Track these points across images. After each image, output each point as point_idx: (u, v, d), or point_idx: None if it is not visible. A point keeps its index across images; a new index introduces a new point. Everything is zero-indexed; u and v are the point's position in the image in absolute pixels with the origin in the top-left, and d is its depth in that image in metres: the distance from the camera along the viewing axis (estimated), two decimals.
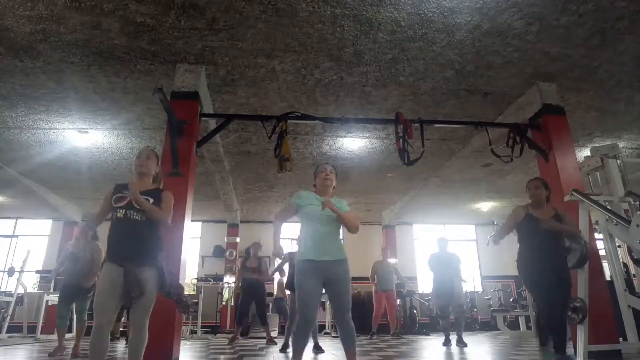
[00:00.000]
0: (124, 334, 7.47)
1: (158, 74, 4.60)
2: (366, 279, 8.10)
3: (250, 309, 6.69)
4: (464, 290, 7.38)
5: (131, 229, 2.39)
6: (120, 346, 6.08)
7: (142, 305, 2.35)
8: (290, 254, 5.38)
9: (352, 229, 2.71)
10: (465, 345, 5.49)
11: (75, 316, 4.97)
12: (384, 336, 7.93)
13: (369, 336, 7.36)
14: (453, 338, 5.86)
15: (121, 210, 2.40)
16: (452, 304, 5.93)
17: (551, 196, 3.55)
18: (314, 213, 2.69)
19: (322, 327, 9.47)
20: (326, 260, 2.61)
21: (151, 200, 2.46)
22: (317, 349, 4.92)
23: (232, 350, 5.14)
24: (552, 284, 3.19)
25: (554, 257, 3.27)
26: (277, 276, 6.66)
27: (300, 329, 2.61)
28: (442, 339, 5.94)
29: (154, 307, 2.41)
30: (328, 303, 9.35)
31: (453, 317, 6.08)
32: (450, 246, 6.50)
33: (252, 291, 6.33)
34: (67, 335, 7.66)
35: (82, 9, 3.60)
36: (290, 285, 5.26)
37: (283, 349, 4.95)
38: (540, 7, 3.67)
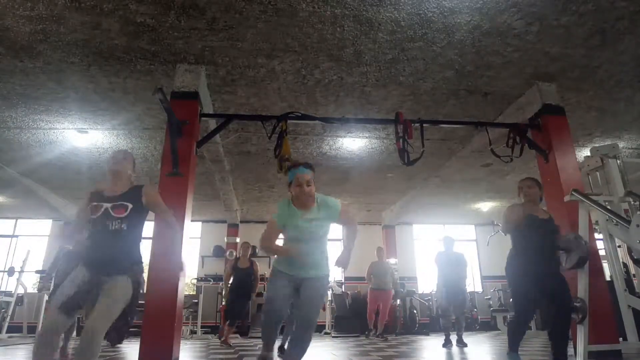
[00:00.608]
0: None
1: (158, 74, 4.60)
2: (360, 279, 8.11)
3: (246, 308, 6.56)
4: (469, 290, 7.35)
5: (110, 238, 2.25)
6: (122, 347, 6.07)
7: (99, 312, 2.08)
8: None
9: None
10: (465, 345, 5.48)
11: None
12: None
13: (365, 334, 7.31)
14: (453, 339, 5.85)
15: (98, 221, 2.27)
16: (455, 303, 5.91)
17: (544, 196, 3.46)
18: (298, 233, 2.52)
19: (321, 327, 9.49)
20: (300, 277, 2.53)
21: (129, 207, 2.30)
22: (281, 351, 4.71)
23: (232, 350, 5.14)
24: (552, 289, 3.11)
25: (550, 261, 3.20)
26: None
27: (265, 325, 2.58)
28: (442, 339, 5.92)
29: (153, 307, 2.32)
30: (328, 303, 9.36)
31: (454, 316, 6.07)
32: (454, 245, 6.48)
33: (240, 291, 6.14)
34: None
35: (82, 9, 3.60)
36: None
37: (280, 350, 4.71)
38: (540, 7, 3.67)
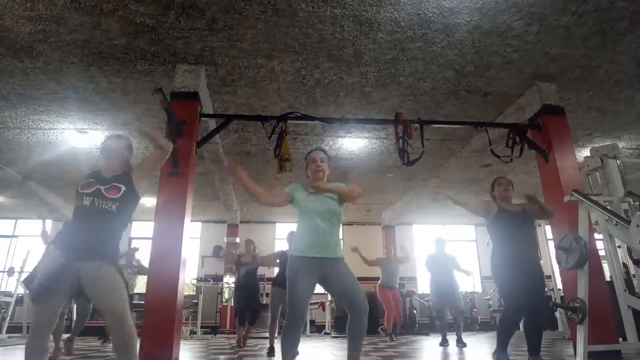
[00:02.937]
0: None
1: (158, 74, 4.60)
2: (366, 279, 8.01)
3: (254, 304, 6.43)
4: (463, 290, 7.27)
5: (97, 219, 2.12)
6: None
7: (113, 299, 2.02)
8: (282, 252, 5.22)
9: (350, 197, 2.58)
10: (464, 345, 5.49)
11: (75, 317, 4.92)
12: (383, 337, 7.92)
13: (388, 338, 6.88)
14: (451, 338, 5.86)
15: (88, 198, 2.14)
16: (450, 305, 5.93)
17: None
18: (314, 208, 2.52)
19: (321, 328, 9.50)
20: (325, 258, 2.44)
21: (123, 188, 2.19)
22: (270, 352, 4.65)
23: (232, 351, 5.14)
24: (530, 282, 3.12)
25: (530, 252, 3.22)
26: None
27: (290, 329, 2.39)
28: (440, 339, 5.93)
29: (153, 307, 2.25)
30: (328, 303, 9.36)
31: (451, 317, 6.08)
32: (450, 246, 6.49)
33: (247, 290, 5.92)
34: (64, 336, 7.66)
35: (82, 9, 3.60)
36: (278, 282, 4.87)
37: (270, 353, 4.60)
38: (540, 7, 3.67)
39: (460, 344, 5.55)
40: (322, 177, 2.65)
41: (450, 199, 3.58)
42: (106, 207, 2.14)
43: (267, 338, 6.32)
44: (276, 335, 4.72)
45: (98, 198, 2.15)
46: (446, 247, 6.36)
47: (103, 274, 2.06)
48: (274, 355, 4.54)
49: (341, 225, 2.71)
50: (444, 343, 5.70)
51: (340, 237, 2.68)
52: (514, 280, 3.14)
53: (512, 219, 3.27)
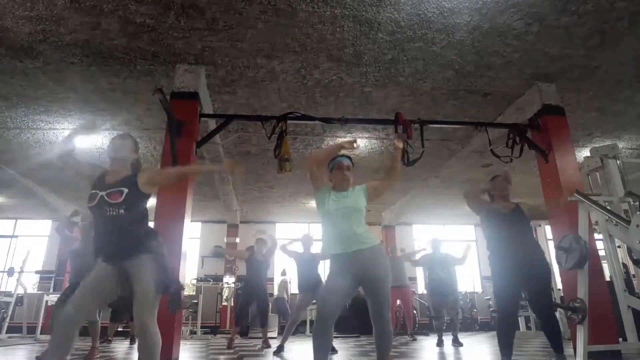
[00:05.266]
0: (118, 334, 7.45)
1: (158, 74, 4.60)
2: None
3: (250, 309, 6.31)
4: (462, 291, 7.24)
5: (110, 224, 2.18)
6: (120, 347, 6.07)
7: (138, 300, 2.09)
8: (297, 253, 5.23)
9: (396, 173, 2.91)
10: (460, 344, 5.48)
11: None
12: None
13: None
14: (447, 338, 5.85)
15: (96, 210, 2.21)
16: (447, 305, 5.91)
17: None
18: (334, 209, 2.57)
19: None
20: (352, 252, 2.45)
21: (125, 191, 2.20)
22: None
23: (232, 351, 5.14)
24: (528, 279, 3.04)
25: (523, 248, 3.08)
26: (279, 277, 6.15)
27: (316, 330, 2.34)
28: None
29: None
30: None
31: (448, 317, 6.08)
32: (449, 247, 6.48)
33: (254, 292, 5.82)
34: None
35: (82, 9, 3.61)
36: (302, 287, 4.98)
37: (278, 351, 4.65)
38: (540, 7, 3.67)
39: (456, 343, 5.54)
40: (348, 184, 2.72)
41: (465, 192, 3.40)
42: (114, 212, 2.18)
43: (267, 339, 6.30)
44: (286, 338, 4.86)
45: (104, 206, 2.19)
46: (442, 247, 6.36)
47: (141, 268, 2.12)
48: (283, 351, 4.60)
49: (363, 219, 2.71)
50: (440, 344, 5.68)
51: (365, 228, 2.66)
52: (503, 279, 3.09)
53: (500, 219, 3.19)
